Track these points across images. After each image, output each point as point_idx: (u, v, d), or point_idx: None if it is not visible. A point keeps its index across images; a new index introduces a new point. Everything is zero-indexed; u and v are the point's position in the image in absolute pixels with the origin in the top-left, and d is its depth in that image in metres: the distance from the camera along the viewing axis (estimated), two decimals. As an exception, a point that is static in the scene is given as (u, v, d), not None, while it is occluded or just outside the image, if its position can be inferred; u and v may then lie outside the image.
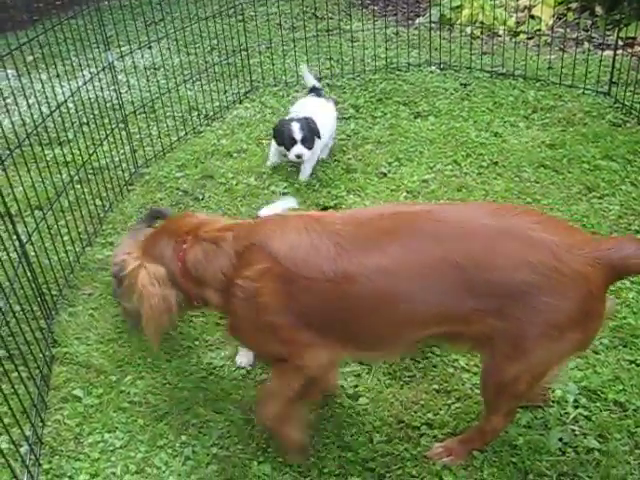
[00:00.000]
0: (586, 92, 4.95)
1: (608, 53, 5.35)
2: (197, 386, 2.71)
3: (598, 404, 2.52)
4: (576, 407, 2.51)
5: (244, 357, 2.76)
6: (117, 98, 4.28)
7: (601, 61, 5.22)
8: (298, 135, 3.94)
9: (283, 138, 3.99)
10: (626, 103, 4.69)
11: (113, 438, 2.51)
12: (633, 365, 2.68)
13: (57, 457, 2.47)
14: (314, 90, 4.57)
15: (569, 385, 2.57)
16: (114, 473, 2.38)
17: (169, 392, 2.69)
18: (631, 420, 2.44)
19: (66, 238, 3.50)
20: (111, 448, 2.47)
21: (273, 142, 4.17)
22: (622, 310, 2.96)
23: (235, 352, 2.81)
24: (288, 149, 3.97)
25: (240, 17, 6.05)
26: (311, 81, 4.66)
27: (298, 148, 3.95)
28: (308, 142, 3.96)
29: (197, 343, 2.93)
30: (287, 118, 4.12)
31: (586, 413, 2.49)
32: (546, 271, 1.84)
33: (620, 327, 2.87)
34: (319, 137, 4.02)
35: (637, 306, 2.99)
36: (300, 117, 4.03)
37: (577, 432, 2.42)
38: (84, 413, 2.63)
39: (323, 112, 4.26)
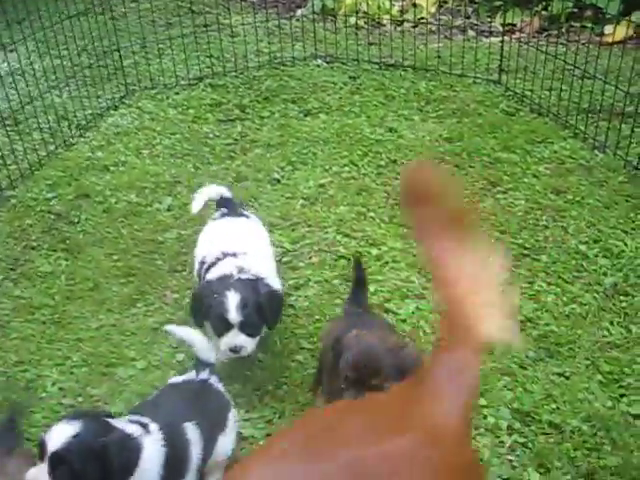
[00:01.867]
0: (477, 81, 4.83)
1: (493, 40, 5.28)
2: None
3: (533, 427, 2.35)
4: (511, 434, 2.32)
5: None
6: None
7: (488, 49, 5.11)
8: (236, 316, 2.41)
9: (209, 316, 2.47)
10: (517, 91, 4.60)
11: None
12: (562, 378, 2.53)
13: None
14: (225, 204, 2.98)
15: (501, 409, 2.38)
16: None
17: (50, 464, 2.29)
18: (569, 443, 2.28)
19: None
20: None
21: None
22: (543, 316, 2.82)
23: None
24: (218, 335, 2.47)
25: (110, 14, 5.57)
26: (215, 191, 3.03)
27: (234, 337, 2.44)
28: (252, 327, 2.46)
29: (80, 399, 2.53)
30: (213, 278, 2.54)
31: (522, 440, 2.31)
32: None
33: (544, 336, 2.73)
34: (274, 323, 2.56)
35: (557, 310, 2.85)
36: (240, 277, 2.50)
37: (515, 464, 2.23)
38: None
39: (257, 246, 2.78)
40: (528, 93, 4.53)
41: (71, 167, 4.05)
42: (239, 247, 2.63)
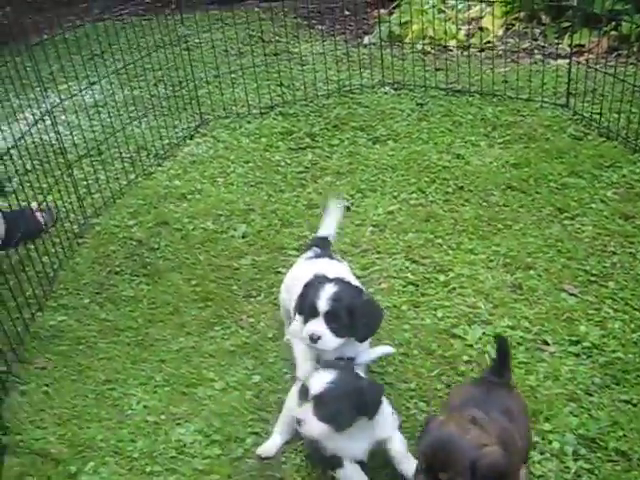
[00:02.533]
0: (544, 105, 4.85)
1: (561, 62, 5.28)
2: (167, 468, 2.49)
3: (599, 454, 2.38)
4: (576, 460, 2.36)
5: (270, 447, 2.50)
6: (60, 142, 4.03)
7: (556, 71, 5.12)
8: (324, 305, 2.42)
9: (304, 302, 2.50)
10: (585, 114, 4.61)
11: (77, 540, 2.27)
12: (629, 406, 2.55)
13: None
14: (319, 243, 2.94)
15: (566, 435, 2.42)
16: None
17: (136, 478, 2.46)
18: (636, 471, 2.30)
19: (12, 304, 3.22)
20: None
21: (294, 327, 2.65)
22: (610, 343, 2.84)
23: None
24: (305, 320, 2.48)
25: (184, 45, 5.82)
26: (329, 226, 3.02)
27: (316, 324, 2.43)
28: (337, 322, 2.43)
29: (163, 417, 2.70)
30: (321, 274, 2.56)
31: (588, 466, 2.34)
32: None
33: (610, 363, 2.74)
34: (359, 329, 2.48)
35: (624, 337, 2.87)
36: (344, 279, 2.55)
37: (581, 490, 2.26)
38: (43, 512, 2.39)
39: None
40: (596, 116, 4.53)
41: (150, 195, 4.27)
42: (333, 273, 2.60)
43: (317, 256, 2.83)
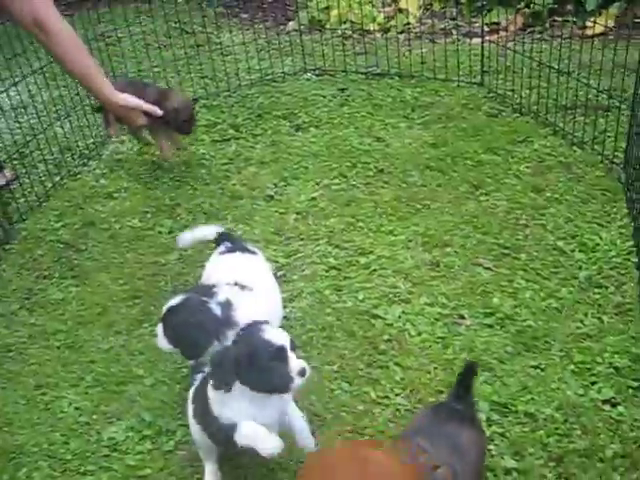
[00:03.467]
0: (461, 84, 4.99)
1: (476, 41, 5.42)
2: (100, 467, 2.55)
3: (510, 418, 2.53)
4: (490, 425, 2.50)
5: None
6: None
7: (470, 50, 5.26)
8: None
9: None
10: (499, 92, 4.76)
11: None
12: (538, 370, 2.70)
13: None
14: (227, 239, 2.99)
15: (480, 403, 2.55)
16: None
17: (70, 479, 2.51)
18: (542, 431, 2.46)
19: (-62, 316, 3.23)
20: None
21: None
22: (521, 312, 3.00)
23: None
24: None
25: (104, 40, 5.78)
26: (208, 232, 3.07)
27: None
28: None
29: (95, 417, 2.76)
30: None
31: (500, 430, 2.49)
32: None
33: (522, 331, 2.90)
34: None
35: (535, 305, 3.03)
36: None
37: (494, 452, 2.41)
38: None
39: (270, 280, 2.83)
40: (509, 93, 4.69)
41: (76, 196, 4.27)
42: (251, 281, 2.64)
43: (229, 250, 2.90)
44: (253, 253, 2.94)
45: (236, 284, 2.58)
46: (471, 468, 2.06)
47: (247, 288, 2.58)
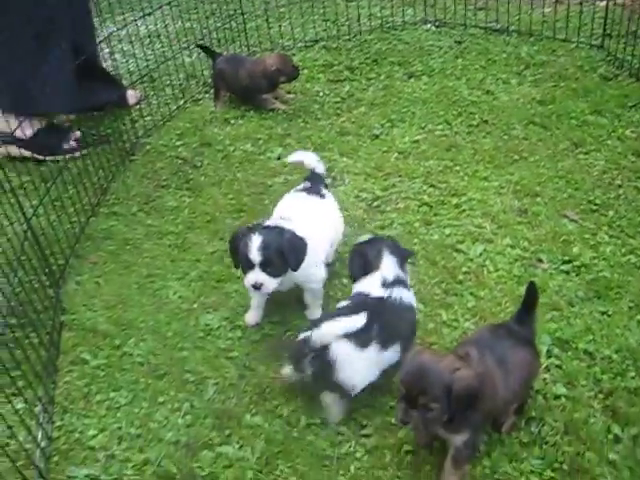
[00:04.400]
0: (580, 45, 4.98)
1: (601, 4, 5.35)
2: (195, 346, 2.90)
3: (569, 353, 2.69)
4: (549, 357, 2.67)
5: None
6: (115, 68, 4.42)
7: (595, 13, 5.21)
8: (256, 256, 2.71)
9: (237, 255, 2.79)
10: (618, 56, 4.73)
11: (118, 396, 2.73)
12: (604, 316, 2.83)
13: (68, 415, 2.69)
14: (312, 179, 3.25)
15: (543, 337, 2.72)
16: (119, 428, 2.60)
17: (169, 352, 2.89)
18: (598, 368, 2.61)
19: (71, 210, 3.66)
20: (117, 405, 2.69)
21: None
22: (599, 264, 3.11)
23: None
24: (244, 272, 2.79)
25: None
26: (312, 161, 3.31)
27: (255, 275, 2.74)
28: (273, 267, 2.74)
29: (195, 306, 3.12)
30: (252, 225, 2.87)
31: (557, 362, 2.65)
32: None
33: (596, 280, 3.02)
34: (295, 265, 2.76)
35: (614, 259, 3.13)
36: (267, 225, 2.84)
37: (548, 380, 2.58)
38: (91, 374, 2.84)
39: (316, 220, 3.00)
40: (629, 58, 4.65)
41: (197, 119, 4.63)
42: (297, 216, 2.92)
43: (306, 190, 3.17)
44: (324, 197, 3.19)
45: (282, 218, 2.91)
46: (517, 383, 2.28)
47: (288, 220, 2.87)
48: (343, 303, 2.60)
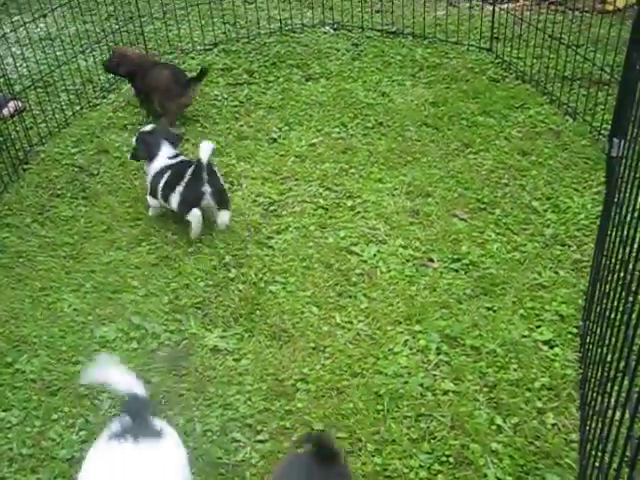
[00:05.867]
0: (470, 49, 5.17)
1: (489, 8, 5.55)
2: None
3: (457, 350, 2.80)
4: (438, 354, 2.78)
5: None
6: (4, 73, 4.30)
7: (484, 17, 5.41)
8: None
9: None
10: (506, 59, 4.94)
11: (9, 416, 2.67)
12: (490, 312, 2.97)
13: (-43, 437, 2.61)
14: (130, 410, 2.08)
15: (432, 334, 2.84)
16: (10, 449, 2.55)
17: (63, 367, 2.85)
18: (483, 362, 2.73)
19: (-41, 222, 3.55)
20: (8, 426, 2.64)
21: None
22: (486, 261, 3.25)
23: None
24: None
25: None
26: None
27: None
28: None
29: (90, 318, 3.08)
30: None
31: (446, 359, 2.76)
32: None
33: (483, 277, 3.15)
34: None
35: (499, 256, 3.28)
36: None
37: (437, 377, 2.69)
38: (-19, 394, 2.77)
39: None
40: (515, 61, 4.87)
41: (93, 126, 4.56)
42: None
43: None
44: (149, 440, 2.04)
45: None
46: None
47: None
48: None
